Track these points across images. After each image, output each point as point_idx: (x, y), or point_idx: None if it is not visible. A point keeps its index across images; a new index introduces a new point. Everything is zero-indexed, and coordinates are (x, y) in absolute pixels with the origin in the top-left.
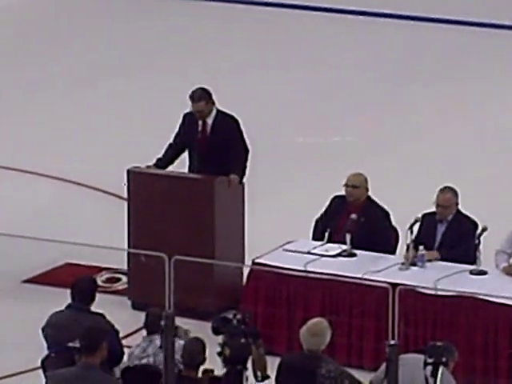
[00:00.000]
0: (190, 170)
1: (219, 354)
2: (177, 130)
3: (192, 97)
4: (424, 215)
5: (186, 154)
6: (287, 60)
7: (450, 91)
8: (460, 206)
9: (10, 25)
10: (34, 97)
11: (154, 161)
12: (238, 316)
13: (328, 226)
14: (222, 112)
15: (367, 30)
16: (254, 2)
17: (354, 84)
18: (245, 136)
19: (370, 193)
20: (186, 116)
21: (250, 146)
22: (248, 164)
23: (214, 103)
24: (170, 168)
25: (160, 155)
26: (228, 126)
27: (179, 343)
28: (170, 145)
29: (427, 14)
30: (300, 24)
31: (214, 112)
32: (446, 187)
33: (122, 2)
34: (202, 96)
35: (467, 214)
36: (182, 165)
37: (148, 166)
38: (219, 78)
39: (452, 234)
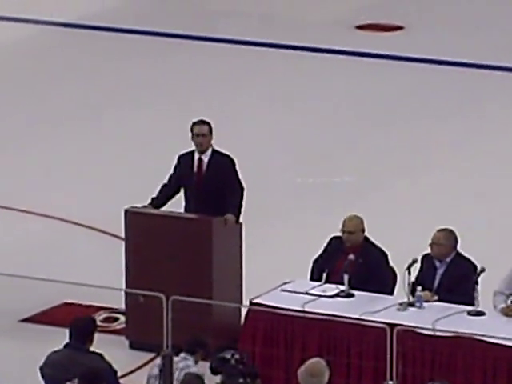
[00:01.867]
0: (186, 209)
1: None
2: (172, 171)
3: (195, 122)
4: (424, 256)
5: (180, 195)
6: (284, 99)
7: (446, 132)
8: (458, 247)
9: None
10: (27, 134)
11: (149, 200)
12: (236, 356)
13: (326, 267)
14: (217, 151)
15: (360, 71)
16: (249, 43)
17: (350, 123)
18: (240, 175)
19: (367, 233)
20: (181, 157)
21: (245, 185)
22: (244, 203)
23: (211, 140)
24: (166, 207)
25: (155, 195)
26: (224, 164)
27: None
28: (164, 185)
29: (424, 55)
30: (296, 64)
31: (210, 150)
32: (443, 228)
33: (122, 42)
34: (205, 122)
35: (467, 256)
36: (176, 205)
37: (144, 206)
38: (216, 118)
39: (451, 276)
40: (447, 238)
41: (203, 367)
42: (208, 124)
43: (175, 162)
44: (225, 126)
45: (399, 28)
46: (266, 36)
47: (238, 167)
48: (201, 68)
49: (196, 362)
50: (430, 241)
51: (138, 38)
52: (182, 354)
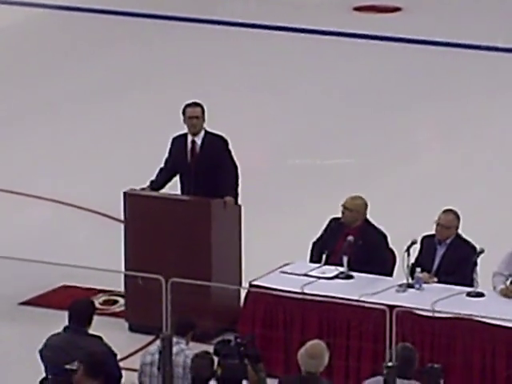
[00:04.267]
0: (182, 191)
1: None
2: (167, 154)
3: (189, 104)
4: (424, 238)
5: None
6: (282, 82)
7: (448, 112)
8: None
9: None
10: (26, 119)
11: (148, 183)
12: (239, 339)
13: (325, 249)
14: (210, 132)
15: (359, 53)
16: (244, 24)
17: (350, 106)
18: (233, 155)
19: (370, 214)
20: (174, 139)
21: (243, 169)
22: (240, 183)
23: (204, 122)
24: (165, 189)
25: (153, 177)
26: (217, 145)
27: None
28: (161, 169)
29: (420, 37)
30: (292, 46)
31: (202, 132)
32: (449, 209)
33: (116, 27)
34: (198, 104)
35: (466, 238)
36: (175, 187)
37: (143, 189)
38: (211, 101)
39: (450, 258)
40: (454, 221)
41: (203, 349)
42: (201, 106)
43: (169, 144)
44: (221, 110)
45: (397, 9)
46: (262, 18)
47: (231, 147)
48: (197, 50)
49: (187, 343)
50: (436, 221)
51: (138, 21)
52: (175, 338)
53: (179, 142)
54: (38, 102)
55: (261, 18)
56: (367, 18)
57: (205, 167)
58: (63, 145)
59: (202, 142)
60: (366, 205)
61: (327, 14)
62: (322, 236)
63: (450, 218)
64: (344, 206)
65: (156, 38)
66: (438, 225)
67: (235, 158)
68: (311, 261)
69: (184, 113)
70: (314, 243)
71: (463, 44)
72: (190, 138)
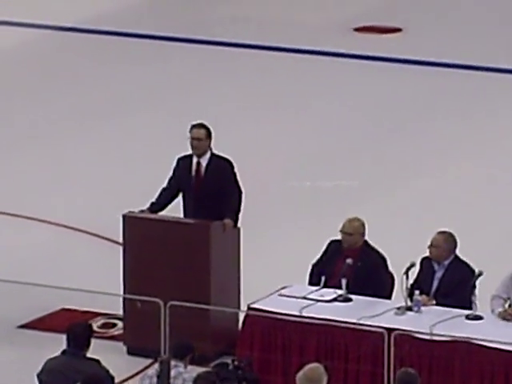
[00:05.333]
0: (185, 213)
1: None
2: (171, 173)
3: (194, 125)
4: (422, 260)
5: (180, 199)
6: (283, 103)
7: (444, 134)
8: (457, 250)
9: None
10: (27, 142)
11: (148, 205)
12: (236, 362)
13: (324, 271)
14: (216, 155)
15: (359, 74)
16: (245, 45)
17: (349, 127)
18: (238, 179)
19: (368, 236)
20: (180, 160)
21: (245, 190)
22: (242, 207)
23: (210, 143)
24: (165, 212)
25: (154, 199)
26: (222, 168)
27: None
28: (164, 189)
29: (420, 57)
30: (293, 67)
31: (208, 154)
32: (443, 231)
33: (115, 47)
34: (204, 126)
35: (465, 260)
36: (175, 209)
37: (142, 211)
38: (214, 121)
39: (449, 281)
40: (446, 241)
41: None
42: (206, 128)
43: (174, 164)
44: (223, 130)
45: (397, 30)
46: (264, 39)
47: (236, 170)
48: (200, 71)
49: (185, 367)
50: (428, 243)
51: (136, 42)
52: (173, 362)
53: (184, 162)
54: (37, 124)
55: (261, 39)
56: (367, 39)
57: (209, 190)
58: (62, 167)
59: (208, 165)
60: (364, 225)
61: (327, 35)
62: (321, 258)
63: (441, 238)
64: (343, 232)
65: (155, 59)
66: (430, 246)
67: (240, 183)
68: (310, 283)
69: (190, 133)
70: (314, 265)
71: (463, 65)
72: (195, 159)
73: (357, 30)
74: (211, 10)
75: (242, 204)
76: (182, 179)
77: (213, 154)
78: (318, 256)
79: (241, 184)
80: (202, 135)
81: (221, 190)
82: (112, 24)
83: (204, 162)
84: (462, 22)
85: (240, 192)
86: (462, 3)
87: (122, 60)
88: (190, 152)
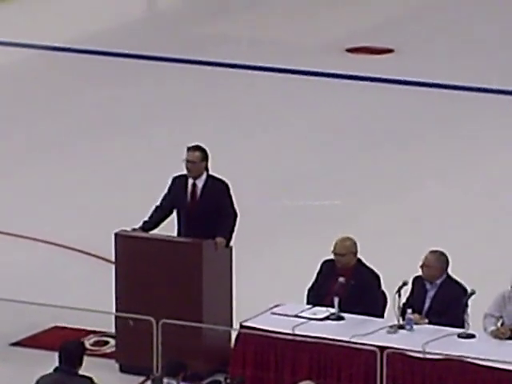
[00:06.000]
0: (179, 232)
1: None
2: (165, 192)
3: (189, 147)
4: (415, 278)
5: (172, 217)
6: (274, 123)
7: (437, 152)
8: (449, 268)
9: None
10: (19, 159)
11: (141, 223)
12: (229, 380)
13: (321, 292)
14: (212, 176)
15: (351, 94)
16: (236, 65)
17: (340, 147)
18: (234, 200)
19: (359, 255)
20: (175, 179)
21: (237, 208)
22: (235, 228)
23: (206, 166)
24: (158, 230)
25: (146, 218)
26: (218, 190)
27: None
28: (157, 207)
29: (412, 78)
30: (284, 87)
31: (204, 175)
32: (435, 250)
33: (106, 67)
34: (200, 148)
35: (457, 279)
36: (168, 228)
37: (134, 229)
38: (205, 141)
39: (441, 299)
40: (438, 260)
41: None
42: (201, 150)
43: (169, 183)
44: (213, 149)
45: (390, 51)
46: (256, 60)
47: (232, 192)
48: (191, 92)
49: None
50: (420, 262)
51: (128, 62)
52: (166, 380)
53: (180, 182)
54: (27, 143)
55: (253, 60)
56: (359, 60)
57: (204, 211)
58: (54, 185)
59: (203, 186)
60: (356, 244)
61: (319, 56)
62: (316, 280)
63: (433, 258)
64: (335, 253)
65: (146, 79)
66: (422, 265)
67: (235, 205)
68: None
69: (186, 155)
70: (309, 290)
71: (455, 86)
72: (190, 180)
73: (349, 50)
74: (203, 29)
75: (236, 226)
76: (177, 199)
77: (209, 176)
78: (313, 279)
79: (236, 206)
80: (196, 158)
81: (215, 212)
82: (102, 44)
83: (200, 183)
84: (454, 43)
85: (235, 215)
86: (454, 25)
87: (113, 80)
88: (185, 172)
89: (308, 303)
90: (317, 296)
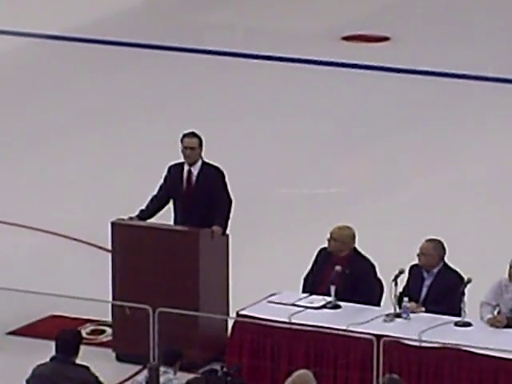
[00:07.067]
0: (176, 221)
1: None
2: (161, 181)
3: (186, 134)
4: (411, 267)
5: (169, 206)
6: (271, 111)
7: (435, 140)
8: (446, 257)
9: None
10: (16, 148)
11: (137, 212)
12: (225, 368)
13: (316, 279)
14: (207, 163)
15: (347, 82)
16: (233, 54)
17: (336, 135)
18: (229, 187)
19: (355, 244)
20: (171, 168)
21: (234, 197)
22: (231, 215)
23: (201, 152)
24: (155, 219)
25: (143, 206)
26: (213, 176)
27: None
28: (154, 196)
29: (408, 66)
30: (280, 75)
31: (199, 162)
32: (432, 238)
33: (104, 56)
34: (195, 135)
35: (454, 267)
36: (165, 217)
37: (131, 218)
38: (202, 129)
39: (438, 288)
40: (435, 249)
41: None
42: (198, 137)
43: (165, 172)
44: (210, 138)
45: (385, 39)
46: (252, 48)
47: (227, 179)
48: (188, 79)
49: (175, 373)
50: (417, 251)
51: (124, 50)
52: (162, 368)
53: (175, 170)
54: (25, 131)
55: (249, 48)
56: (355, 48)
57: (199, 198)
58: (52, 174)
59: (199, 173)
60: (354, 235)
61: (316, 44)
62: (312, 268)
63: (430, 246)
64: (330, 236)
65: (142, 68)
66: (419, 254)
67: (230, 191)
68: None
69: (182, 142)
70: (305, 278)
71: (450, 73)
72: (186, 167)
73: (345, 38)
74: (199, 18)
75: (232, 212)
76: (173, 187)
77: (204, 163)
78: (309, 267)
79: (231, 192)
80: (194, 144)
81: (211, 198)
82: (98, 32)
83: (195, 170)
84: (450, 31)
85: (230, 201)
86: (450, 12)
87: (109, 68)
88: (181, 160)
89: (304, 292)
90: (312, 284)
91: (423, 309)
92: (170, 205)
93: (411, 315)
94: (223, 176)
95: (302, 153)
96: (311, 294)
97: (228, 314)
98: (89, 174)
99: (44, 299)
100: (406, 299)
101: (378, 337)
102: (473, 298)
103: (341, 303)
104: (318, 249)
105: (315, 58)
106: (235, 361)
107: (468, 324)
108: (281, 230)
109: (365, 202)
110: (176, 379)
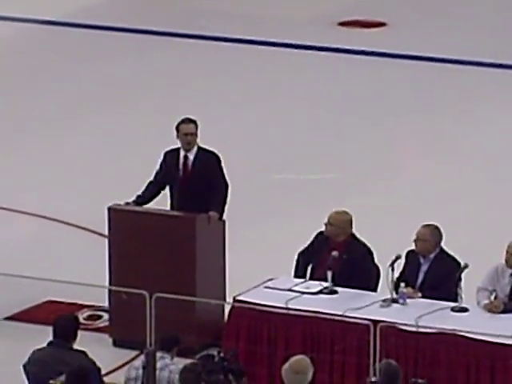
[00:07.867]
0: (172, 206)
1: None
2: (157, 167)
3: (183, 120)
4: (408, 252)
5: (166, 191)
6: (267, 96)
7: (433, 126)
8: (442, 243)
9: None
10: (12, 134)
11: (134, 197)
12: (222, 354)
13: (311, 261)
14: (202, 148)
15: (343, 68)
16: (229, 39)
17: (333, 120)
18: (225, 172)
19: (353, 229)
20: (167, 153)
21: (230, 182)
22: (228, 200)
23: (197, 137)
24: (150, 205)
25: (140, 192)
26: (209, 161)
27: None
28: (150, 182)
29: (404, 51)
30: (277, 61)
31: (195, 147)
32: (428, 224)
33: (102, 41)
34: (192, 120)
35: (450, 253)
36: (162, 202)
37: (127, 203)
38: (198, 115)
39: (434, 274)
40: (432, 234)
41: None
42: (194, 122)
43: (161, 158)
44: (207, 124)
45: (382, 24)
46: (248, 33)
47: (223, 164)
48: (185, 66)
49: (172, 358)
50: (414, 236)
51: (118, 36)
52: (159, 353)
53: (171, 156)
54: (22, 117)
55: (246, 33)
56: (352, 33)
57: (196, 183)
58: (48, 159)
59: (195, 158)
60: (351, 221)
61: (312, 29)
62: (308, 248)
63: (427, 232)
64: (327, 220)
65: (138, 53)
66: (416, 239)
67: (226, 176)
68: (296, 272)
69: (178, 129)
70: (300, 254)
71: (447, 59)
72: (182, 153)
73: (341, 24)
74: (195, 3)
75: (228, 197)
76: (169, 173)
77: (200, 148)
78: (305, 245)
79: (227, 177)
80: (192, 130)
81: (207, 184)
82: (93, 18)
83: (191, 155)
84: (447, 16)
85: (226, 185)
86: None
87: (105, 54)
88: (177, 146)
89: (296, 267)
90: (306, 264)
91: (420, 294)
92: (167, 190)
93: (408, 301)
94: (219, 161)
95: (298, 138)
96: (306, 275)
97: (225, 300)
98: (85, 160)
99: (40, 284)
100: (402, 285)
101: (375, 322)
102: (469, 284)
103: (338, 288)
104: (316, 232)
105: (312, 44)
106: (232, 346)
107: (465, 309)
108: (278, 216)
109: (361, 188)
110: (173, 364)
